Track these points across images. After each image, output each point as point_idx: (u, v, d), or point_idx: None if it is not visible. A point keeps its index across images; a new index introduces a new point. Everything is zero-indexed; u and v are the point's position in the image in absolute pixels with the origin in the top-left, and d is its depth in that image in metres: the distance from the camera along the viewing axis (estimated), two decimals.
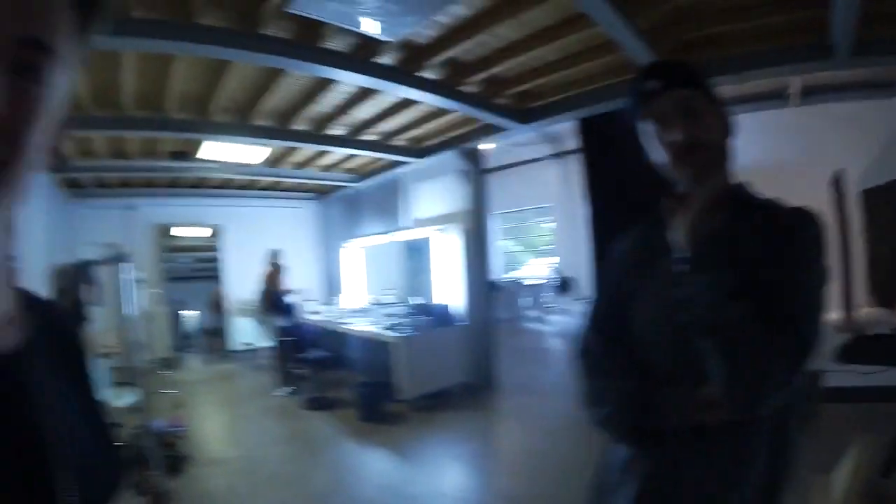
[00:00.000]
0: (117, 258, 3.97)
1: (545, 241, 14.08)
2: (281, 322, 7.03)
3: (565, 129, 5.38)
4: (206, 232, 10.93)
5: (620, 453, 1.23)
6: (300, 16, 3.28)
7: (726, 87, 4.24)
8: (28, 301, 0.54)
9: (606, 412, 1.18)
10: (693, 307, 1.06)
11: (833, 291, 3.70)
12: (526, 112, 5.24)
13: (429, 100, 4.72)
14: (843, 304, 4.65)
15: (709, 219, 1.11)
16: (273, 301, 7.21)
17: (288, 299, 7.26)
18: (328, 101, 5.14)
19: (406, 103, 5.14)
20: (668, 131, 1.14)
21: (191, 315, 13.36)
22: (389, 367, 5.79)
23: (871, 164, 5.96)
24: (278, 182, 9.24)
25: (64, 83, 0.47)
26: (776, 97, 5.64)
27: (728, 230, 1.12)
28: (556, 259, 12.93)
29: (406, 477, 4.12)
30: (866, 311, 5.20)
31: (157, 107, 4.73)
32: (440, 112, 5.45)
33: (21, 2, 0.42)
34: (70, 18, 0.46)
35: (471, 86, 4.69)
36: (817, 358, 1.12)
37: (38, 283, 6.23)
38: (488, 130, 5.82)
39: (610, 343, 1.25)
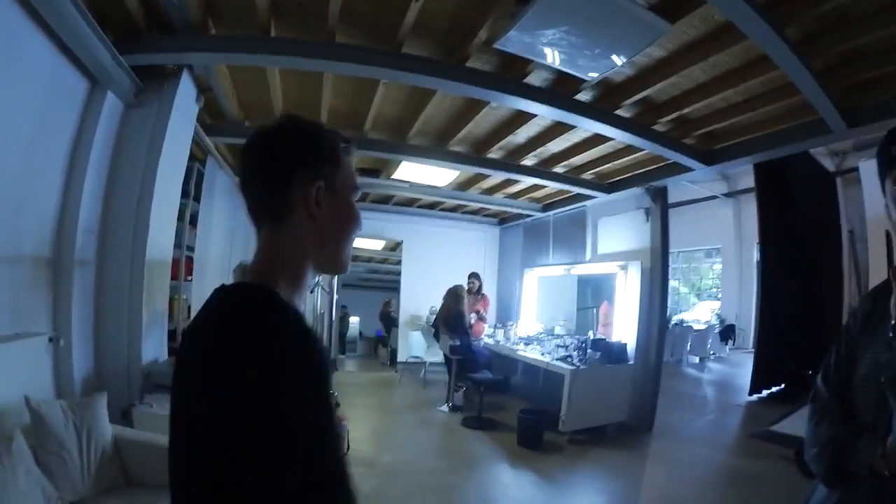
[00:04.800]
0: None
1: (712, 284, 13.64)
2: (455, 341, 7.07)
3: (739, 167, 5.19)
4: (379, 245, 12.03)
5: (824, 492, 1.31)
6: (504, 51, 3.47)
7: None
8: None
9: (815, 452, 1.31)
10: (890, 370, 1.15)
11: None
12: (709, 153, 5.14)
13: (622, 137, 4.75)
14: None
15: None
16: (453, 320, 7.24)
17: (468, 321, 7.31)
18: (523, 133, 5.35)
19: (596, 139, 5.22)
20: None
21: (354, 320, 14.52)
22: (554, 398, 5.78)
23: None
24: (462, 205, 9.48)
25: None
26: None
27: None
28: (719, 304, 12.76)
29: (551, 503, 4.12)
30: None
31: (357, 127, 5.12)
32: (629, 149, 5.44)
33: None
34: None
35: (661, 125, 4.68)
36: None
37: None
38: (673, 170, 5.73)
39: (833, 393, 1.36)
